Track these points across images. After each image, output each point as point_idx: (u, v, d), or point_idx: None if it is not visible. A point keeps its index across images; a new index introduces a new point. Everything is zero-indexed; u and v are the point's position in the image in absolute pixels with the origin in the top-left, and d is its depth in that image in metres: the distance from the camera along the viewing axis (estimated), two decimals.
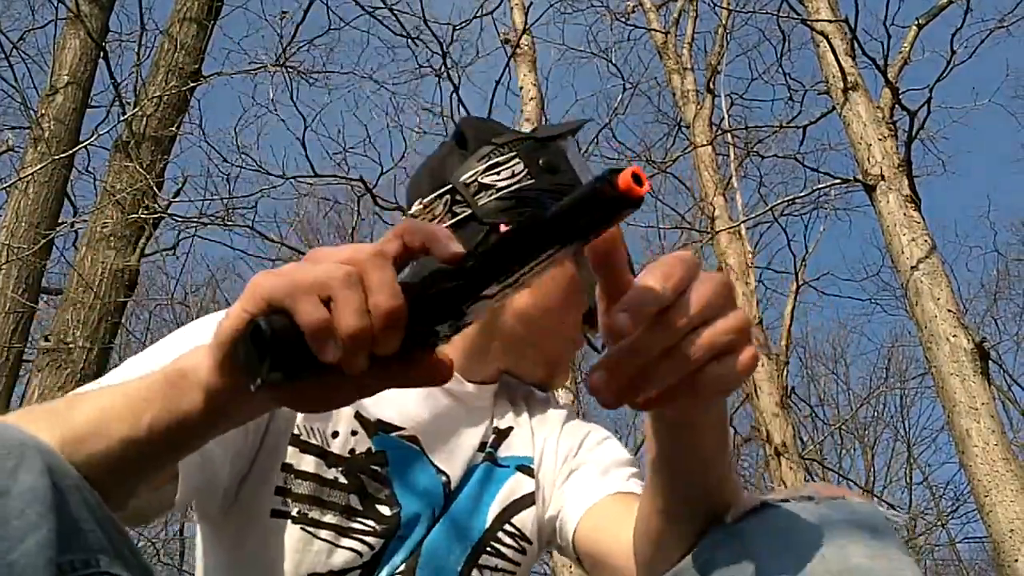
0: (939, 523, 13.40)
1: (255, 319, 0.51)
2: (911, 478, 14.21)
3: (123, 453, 0.58)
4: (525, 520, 0.97)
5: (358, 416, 0.93)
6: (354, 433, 0.92)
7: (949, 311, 4.89)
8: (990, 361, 4.83)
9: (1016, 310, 14.44)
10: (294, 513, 0.89)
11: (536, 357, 1.03)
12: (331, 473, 0.90)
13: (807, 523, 0.61)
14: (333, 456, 0.91)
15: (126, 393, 0.60)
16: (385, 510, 0.91)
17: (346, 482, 0.90)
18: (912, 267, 5.07)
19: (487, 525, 0.95)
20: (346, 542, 0.89)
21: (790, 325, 9.47)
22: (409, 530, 0.91)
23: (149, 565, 0.61)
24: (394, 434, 0.94)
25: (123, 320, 5.40)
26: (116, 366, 0.89)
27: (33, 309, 4.75)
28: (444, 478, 0.95)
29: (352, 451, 0.92)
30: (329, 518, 0.89)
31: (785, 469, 7.40)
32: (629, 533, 0.79)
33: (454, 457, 0.96)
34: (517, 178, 0.97)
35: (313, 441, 0.90)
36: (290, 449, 0.90)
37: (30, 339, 4.86)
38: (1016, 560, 4.27)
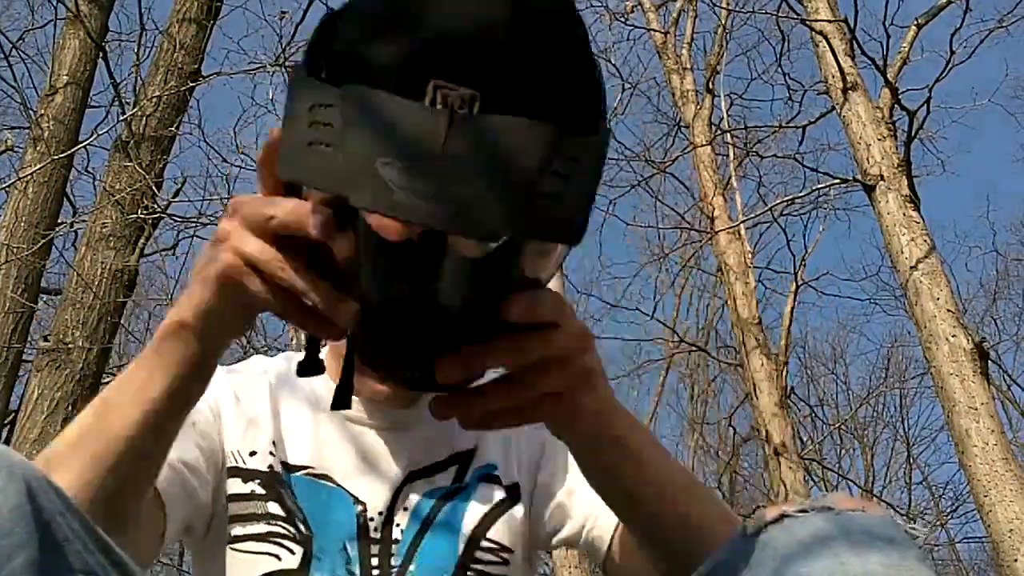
0: (938, 523, 13.41)
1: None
2: (910, 478, 14.22)
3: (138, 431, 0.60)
4: (502, 529, 0.95)
5: (274, 444, 0.94)
6: (272, 455, 0.93)
7: (948, 311, 4.89)
8: (989, 361, 4.83)
9: (1015, 310, 14.46)
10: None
11: None
12: (248, 487, 0.91)
13: (827, 533, 0.60)
14: (248, 471, 0.92)
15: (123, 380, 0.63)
16: (303, 528, 0.90)
17: (264, 492, 0.91)
18: (911, 267, 5.07)
19: (460, 553, 0.93)
20: (265, 547, 0.89)
21: (789, 325, 9.47)
22: (323, 555, 0.90)
23: None
24: (300, 473, 0.93)
25: (122, 320, 5.39)
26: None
27: (32, 309, 4.74)
28: (360, 507, 0.92)
29: (270, 467, 0.92)
30: (249, 529, 0.89)
31: (784, 469, 7.40)
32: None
33: (376, 486, 0.94)
34: None
35: (232, 463, 0.92)
36: (228, 480, 0.92)
37: (29, 339, 4.86)
38: (1015, 560, 4.27)
